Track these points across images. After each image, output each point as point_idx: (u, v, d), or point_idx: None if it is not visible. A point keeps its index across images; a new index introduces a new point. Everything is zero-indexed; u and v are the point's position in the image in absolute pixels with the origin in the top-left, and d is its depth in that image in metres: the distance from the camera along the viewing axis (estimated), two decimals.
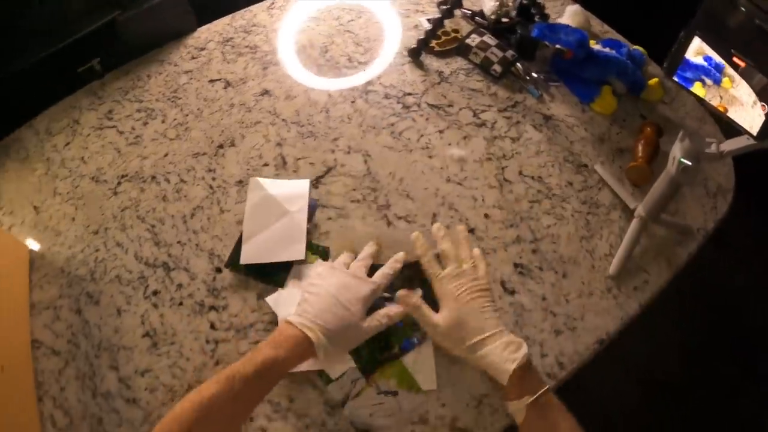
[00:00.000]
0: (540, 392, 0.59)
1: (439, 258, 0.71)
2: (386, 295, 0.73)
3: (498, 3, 0.98)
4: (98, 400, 0.80)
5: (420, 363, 0.72)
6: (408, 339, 0.73)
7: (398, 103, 0.93)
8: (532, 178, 0.87)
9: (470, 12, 1.02)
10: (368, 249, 0.75)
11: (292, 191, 0.83)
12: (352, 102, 0.93)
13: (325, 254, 0.80)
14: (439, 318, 0.65)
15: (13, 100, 1.06)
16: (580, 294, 0.76)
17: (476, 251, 0.72)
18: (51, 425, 0.81)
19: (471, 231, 0.82)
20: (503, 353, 0.61)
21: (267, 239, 0.80)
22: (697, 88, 0.67)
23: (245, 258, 0.79)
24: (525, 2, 0.97)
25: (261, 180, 0.84)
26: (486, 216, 0.83)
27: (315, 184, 0.86)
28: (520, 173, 0.87)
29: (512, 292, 0.77)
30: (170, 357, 0.79)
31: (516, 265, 0.79)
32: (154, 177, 0.91)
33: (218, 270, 0.82)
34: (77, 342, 0.83)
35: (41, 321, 0.86)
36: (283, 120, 0.92)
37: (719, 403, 1.44)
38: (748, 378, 1.47)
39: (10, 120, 1.08)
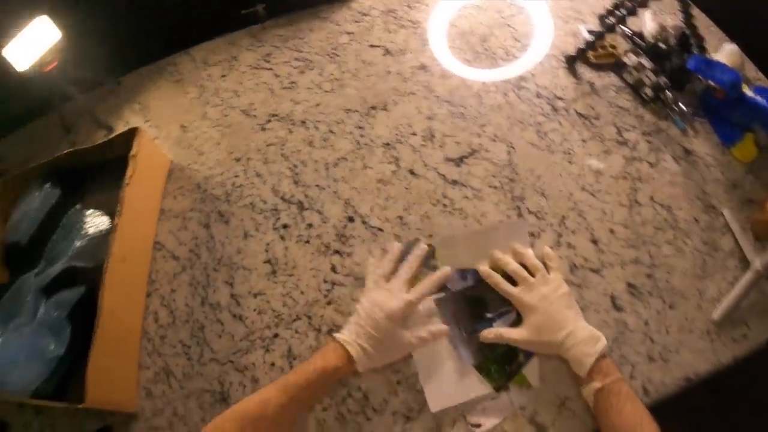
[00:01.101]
0: (610, 380, 0.63)
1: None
2: (488, 315, 0.77)
3: (659, 27, 0.99)
4: (206, 308, 0.84)
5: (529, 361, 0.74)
6: None
7: (548, 104, 0.95)
8: (662, 206, 0.87)
9: (630, 31, 1.03)
10: (417, 253, 0.80)
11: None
12: (505, 94, 0.96)
13: None
14: (522, 332, 0.71)
15: (174, 28, 1.13)
16: (681, 329, 0.76)
17: (546, 250, 0.78)
18: (153, 320, 0.86)
19: (594, 242, 0.82)
20: (584, 348, 0.66)
21: None
22: None
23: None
24: (686, 32, 0.98)
25: None
26: (611, 231, 0.84)
27: (458, 162, 0.88)
28: (651, 198, 0.87)
29: (619, 309, 0.77)
30: (285, 287, 0.83)
31: (629, 285, 0.79)
32: (303, 122, 0.96)
33: (350, 219, 0.85)
34: (198, 253, 0.88)
35: (167, 227, 0.91)
36: (437, 96, 0.95)
37: None
38: None
39: (167, 45, 1.14)
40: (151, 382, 0.84)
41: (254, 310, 0.83)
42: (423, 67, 1.00)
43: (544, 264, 0.77)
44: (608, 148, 0.92)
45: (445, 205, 0.85)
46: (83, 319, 0.91)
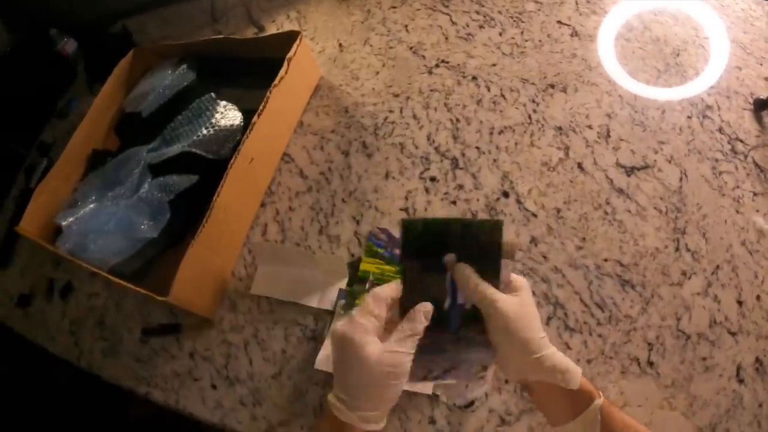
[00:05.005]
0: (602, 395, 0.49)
1: None
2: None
3: None
4: (322, 238, 0.79)
5: None
6: None
7: (728, 143, 0.88)
8: None
9: None
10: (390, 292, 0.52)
11: None
12: (689, 117, 0.89)
13: None
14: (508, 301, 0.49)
15: None
16: None
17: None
18: (260, 231, 0.83)
19: (739, 303, 0.77)
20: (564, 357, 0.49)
21: None
22: None
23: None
24: None
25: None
26: (758, 298, 0.78)
27: (629, 172, 0.82)
28: None
29: (741, 381, 0.72)
30: None
31: (757, 360, 0.73)
32: (475, 78, 0.89)
33: (505, 194, 0.80)
34: (330, 178, 0.83)
35: (302, 142, 0.86)
36: (620, 96, 0.88)
37: None
38: None
39: None
40: (240, 295, 0.79)
41: None
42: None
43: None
44: None
45: (606, 213, 0.79)
46: (185, 210, 0.86)
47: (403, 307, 0.51)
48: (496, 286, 0.51)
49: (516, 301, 0.50)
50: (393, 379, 0.48)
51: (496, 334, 0.50)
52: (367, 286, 0.75)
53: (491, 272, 0.51)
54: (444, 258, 0.52)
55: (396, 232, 0.77)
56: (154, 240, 0.84)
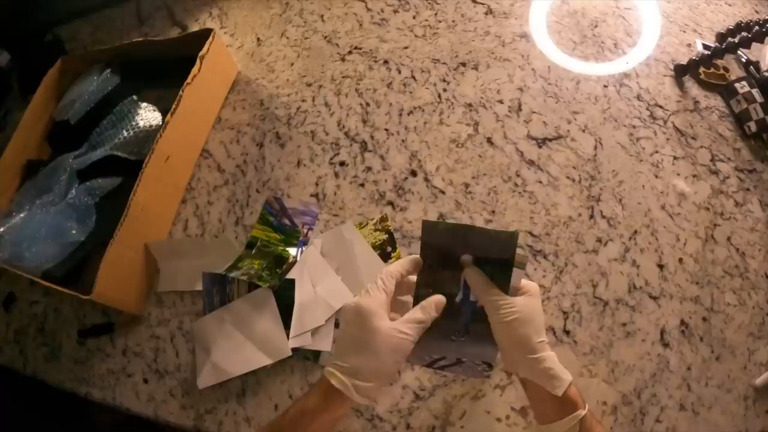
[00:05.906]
0: (587, 407, 0.52)
1: None
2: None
3: None
4: (238, 228, 0.81)
5: None
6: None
7: (647, 110, 0.87)
8: (737, 250, 0.79)
9: (746, 58, 0.95)
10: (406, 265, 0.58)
11: None
12: (605, 86, 0.88)
13: None
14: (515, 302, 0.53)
15: None
16: (720, 385, 0.70)
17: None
18: (182, 227, 0.83)
19: (660, 267, 0.76)
20: (559, 367, 0.53)
21: None
22: None
23: None
24: None
25: None
26: (680, 261, 0.77)
27: (540, 143, 0.81)
28: (728, 239, 0.80)
29: (666, 345, 0.71)
30: (327, 226, 0.78)
31: (682, 322, 0.73)
32: (386, 62, 0.89)
33: (413, 173, 0.79)
34: (245, 170, 0.83)
35: (220, 137, 0.86)
36: (533, 69, 0.88)
37: None
38: None
39: None
40: (165, 290, 0.80)
41: None
42: (525, 36, 0.92)
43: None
44: (698, 173, 0.84)
45: (516, 185, 0.78)
46: (111, 211, 0.87)
47: (416, 296, 0.57)
48: (506, 290, 0.55)
49: (520, 302, 0.54)
50: (394, 355, 0.52)
51: (496, 331, 0.54)
52: (253, 251, 0.77)
53: (503, 277, 0.55)
54: (461, 257, 0.56)
55: (292, 203, 0.81)
56: (82, 243, 0.86)
